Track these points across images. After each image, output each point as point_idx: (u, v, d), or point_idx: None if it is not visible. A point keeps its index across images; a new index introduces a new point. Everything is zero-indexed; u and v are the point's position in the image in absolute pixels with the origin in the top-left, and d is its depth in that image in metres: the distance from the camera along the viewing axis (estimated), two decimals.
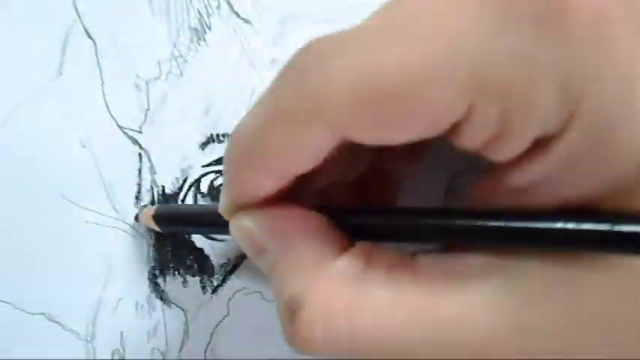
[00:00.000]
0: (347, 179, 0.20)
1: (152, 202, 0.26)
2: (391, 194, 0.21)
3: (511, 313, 0.14)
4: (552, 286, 0.14)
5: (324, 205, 0.17)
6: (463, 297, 0.14)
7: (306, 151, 0.15)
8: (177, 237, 0.26)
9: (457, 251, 0.15)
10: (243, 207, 0.17)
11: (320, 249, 0.16)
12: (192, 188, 0.26)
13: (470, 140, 0.14)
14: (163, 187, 0.26)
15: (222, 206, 0.18)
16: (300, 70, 0.14)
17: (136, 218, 0.25)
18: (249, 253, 0.18)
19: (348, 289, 0.15)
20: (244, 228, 0.17)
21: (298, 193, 0.17)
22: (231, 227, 0.18)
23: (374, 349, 0.14)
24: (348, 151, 0.16)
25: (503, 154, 0.14)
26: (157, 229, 0.24)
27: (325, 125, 0.14)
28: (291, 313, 0.15)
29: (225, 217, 0.18)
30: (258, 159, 0.15)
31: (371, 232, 0.17)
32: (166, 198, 0.26)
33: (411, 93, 0.13)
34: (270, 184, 0.16)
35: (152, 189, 0.26)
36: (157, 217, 0.23)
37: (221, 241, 0.26)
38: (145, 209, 0.24)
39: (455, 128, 0.13)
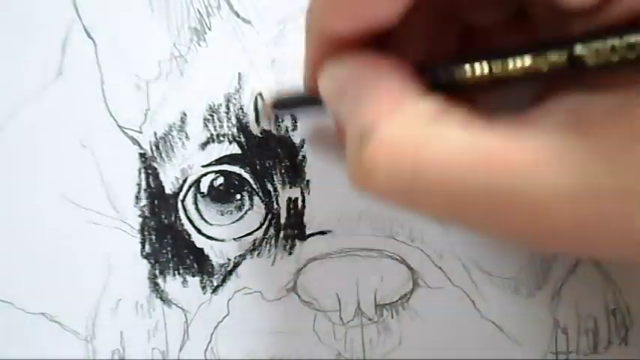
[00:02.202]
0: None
1: (151, 202, 0.26)
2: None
3: (584, 171, 0.12)
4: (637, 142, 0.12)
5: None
6: (535, 143, 0.13)
7: None
8: (177, 236, 0.26)
9: (539, 104, 0.14)
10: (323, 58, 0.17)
11: (401, 87, 0.15)
12: (192, 188, 0.26)
13: None
14: (163, 186, 0.26)
15: (306, 59, 0.18)
16: None
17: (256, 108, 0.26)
18: (332, 102, 0.17)
19: (422, 127, 0.14)
20: (331, 71, 0.17)
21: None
22: (320, 79, 0.18)
23: (433, 192, 0.14)
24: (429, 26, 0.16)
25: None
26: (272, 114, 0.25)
27: None
28: (360, 142, 0.15)
29: (307, 76, 0.19)
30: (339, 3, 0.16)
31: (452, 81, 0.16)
32: (165, 197, 0.26)
33: None
34: (349, 26, 0.16)
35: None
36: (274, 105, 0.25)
37: (221, 241, 0.26)
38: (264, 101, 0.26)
39: None
